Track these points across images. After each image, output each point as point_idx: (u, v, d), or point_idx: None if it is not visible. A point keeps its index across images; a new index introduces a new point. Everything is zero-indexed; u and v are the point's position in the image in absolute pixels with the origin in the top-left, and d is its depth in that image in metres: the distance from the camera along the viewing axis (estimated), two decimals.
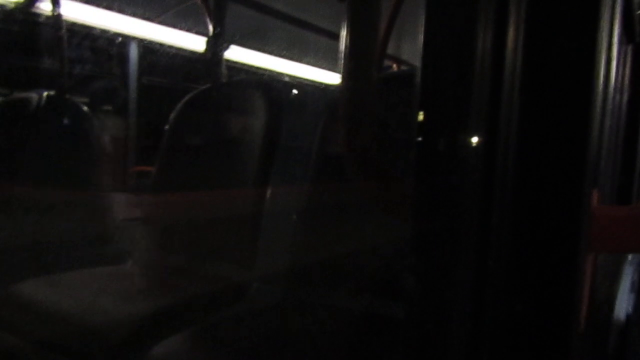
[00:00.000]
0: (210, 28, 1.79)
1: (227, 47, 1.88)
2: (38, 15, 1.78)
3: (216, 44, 1.82)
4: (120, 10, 2.07)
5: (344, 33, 0.60)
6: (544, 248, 0.46)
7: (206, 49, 1.87)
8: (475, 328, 0.47)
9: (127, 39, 2.34)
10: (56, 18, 1.69)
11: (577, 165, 0.45)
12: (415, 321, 0.49)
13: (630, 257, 1.37)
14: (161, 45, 2.27)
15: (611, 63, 0.65)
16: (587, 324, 0.60)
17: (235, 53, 2.31)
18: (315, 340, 0.91)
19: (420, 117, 0.49)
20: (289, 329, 0.98)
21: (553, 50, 0.45)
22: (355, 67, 0.58)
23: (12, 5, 1.75)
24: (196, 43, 2.21)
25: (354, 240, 0.99)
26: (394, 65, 2.81)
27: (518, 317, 0.46)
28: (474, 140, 0.47)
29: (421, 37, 0.49)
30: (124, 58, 2.42)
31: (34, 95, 1.56)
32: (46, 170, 1.47)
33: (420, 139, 0.48)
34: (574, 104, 0.45)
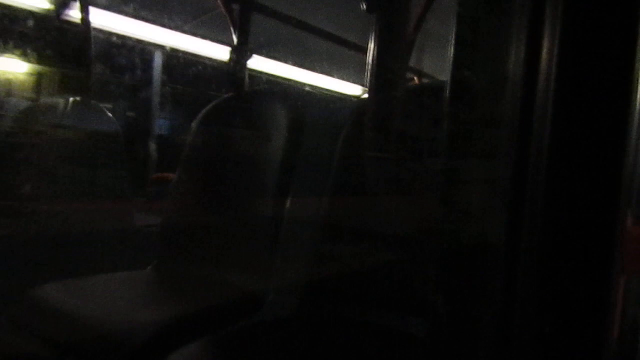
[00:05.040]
0: (235, 38, 1.80)
1: (250, 57, 1.90)
2: (67, 22, 1.81)
3: (239, 54, 1.84)
4: (145, 19, 2.10)
5: (371, 45, 0.59)
6: (576, 269, 0.44)
7: (230, 59, 1.89)
8: (504, 350, 0.45)
9: (151, 47, 2.37)
10: (85, 26, 1.72)
11: (611, 185, 0.44)
12: (441, 341, 0.47)
13: None
14: (185, 53, 2.29)
15: None
16: (617, 348, 0.57)
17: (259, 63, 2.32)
18: (334, 354, 0.90)
19: (449, 132, 0.48)
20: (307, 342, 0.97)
21: (589, 63, 0.43)
22: (384, 78, 0.57)
23: (43, 12, 1.79)
24: (220, 52, 2.23)
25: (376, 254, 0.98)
26: (415, 78, 2.80)
27: (547, 340, 0.45)
28: (504, 157, 0.46)
29: (450, 50, 0.48)
30: (148, 65, 2.45)
31: (60, 101, 1.58)
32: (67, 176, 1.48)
33: (450, 155, 0.47)
34: (609, 119, 0.44)
